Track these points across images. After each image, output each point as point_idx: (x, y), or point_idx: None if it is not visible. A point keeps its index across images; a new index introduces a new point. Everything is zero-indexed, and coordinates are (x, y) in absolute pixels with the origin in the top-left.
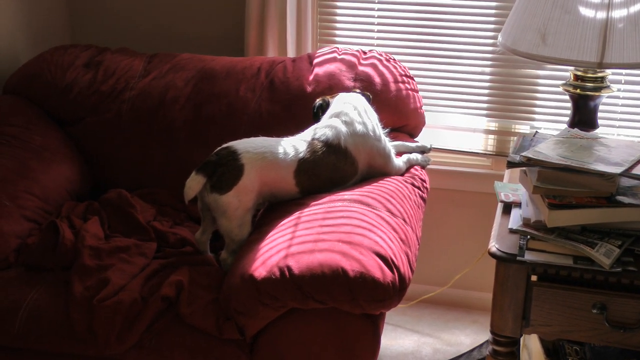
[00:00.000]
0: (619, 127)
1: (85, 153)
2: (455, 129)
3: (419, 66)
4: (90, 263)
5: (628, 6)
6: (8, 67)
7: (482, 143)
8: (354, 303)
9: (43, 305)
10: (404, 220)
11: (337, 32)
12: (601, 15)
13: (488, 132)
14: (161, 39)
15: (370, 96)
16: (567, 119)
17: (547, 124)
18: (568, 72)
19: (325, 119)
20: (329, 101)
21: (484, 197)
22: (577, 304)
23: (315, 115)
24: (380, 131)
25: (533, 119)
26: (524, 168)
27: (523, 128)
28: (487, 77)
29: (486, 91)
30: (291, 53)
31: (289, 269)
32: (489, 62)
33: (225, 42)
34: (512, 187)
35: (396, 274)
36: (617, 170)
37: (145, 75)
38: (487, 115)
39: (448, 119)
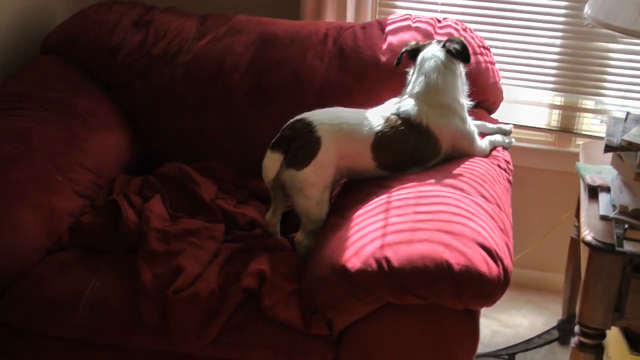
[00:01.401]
0: None
1: (134, 121)
2: (519, 102)
3: (484, 35)
4: (158, 248)
5: None
6: (44, 25)
7: (545, 118)
8: (457, 299)
9: (107, 293)
10: (499, 206)
11: None
12: None
13: (553, 106)
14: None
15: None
16: (637, 95)
17: (616, 100)
18: None
19: (409, 90)
20: (419, 47)
21: (545, 174)
22: None
23: (399, 60)
24: (466, 111)
25: (602, 95)
26: (618, 152)
27: (589, 104)
28: (557, 50)
29: (554, 64)
30: (350, 18)
31: (387, 260)
32: (559, 34)
33: (277, 3)
34: (595, 169)
35: (500, 267)
36: None
37: (199, 38)
38: (553, 89)
39: (511, 92)
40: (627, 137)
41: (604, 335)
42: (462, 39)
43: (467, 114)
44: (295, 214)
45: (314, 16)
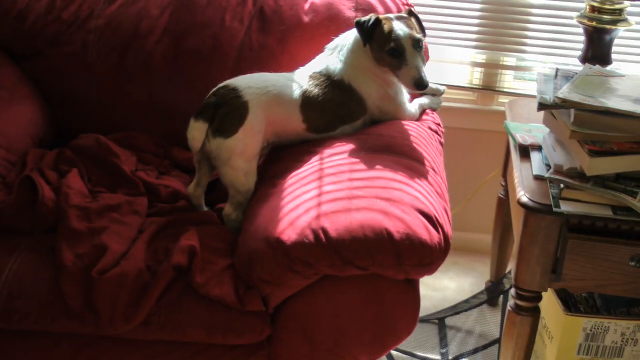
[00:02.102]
0: (633, 61)
1: (45, 92)
2: (442, 61)
3: None
4: (80, 226)
5: None
6: None
7: (467, 76)
8: (399, 268)
9: (26, 277)
10: (434, 170)
11: None
12: None
13: (475, 64)
14: None
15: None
16: (559, 50)
17: (539, 57)
18: (583, 2)
19: (329, 47)
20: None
21: (469, 133)
22: (614, 256)
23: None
24: (391, 76)
25: (524, 51)
26: (551, 110)
27: (510, 61)
28: (478, 6)
29: (476, 21)
30: None
31: (325, 231)
32: None
33: None
34: (524, 127)
35: (441, 233)
36: None
37: (111, 1)
38: (475, 47)
39: (434, 50)
40: (560, 95)
41: (540, 298)
42: (370, 17)
43: (392, 80)
44: (219, 184)
45: None
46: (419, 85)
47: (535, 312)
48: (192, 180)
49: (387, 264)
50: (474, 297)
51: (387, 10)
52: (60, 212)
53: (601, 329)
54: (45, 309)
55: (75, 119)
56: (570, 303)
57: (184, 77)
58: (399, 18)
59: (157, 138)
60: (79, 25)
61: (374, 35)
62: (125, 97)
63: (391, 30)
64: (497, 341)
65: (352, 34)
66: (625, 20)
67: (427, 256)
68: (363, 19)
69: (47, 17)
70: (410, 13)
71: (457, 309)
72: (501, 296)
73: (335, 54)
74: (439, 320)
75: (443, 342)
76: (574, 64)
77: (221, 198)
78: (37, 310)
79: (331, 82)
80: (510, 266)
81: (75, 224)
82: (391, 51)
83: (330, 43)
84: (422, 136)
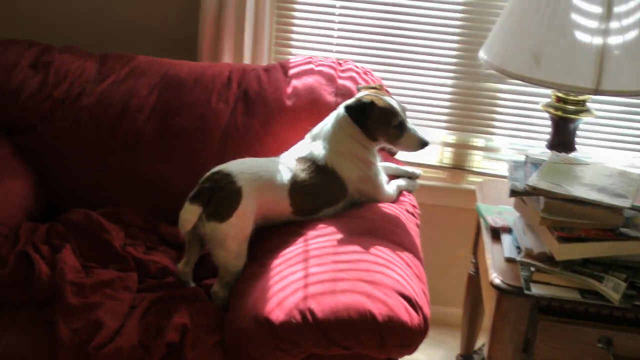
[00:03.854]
0: (595, 145)
1: (36, 165)
2: None
3: (379, 75)
4: (75, 302)
5: (624, 33)
6: None
7: (438, 155)
8: (381, 348)
9: (22, 351)
10: (412, 252)
11: (295, 36)
12: (597, 41)
13: (445, 144)
14: (84, 33)
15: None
16: (525, 133)
17: (506, 139)
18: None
19: (313, 133)
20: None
21: (439, 210)
22: (583, 338)
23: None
24: (370, 159)
25: (492, 133)
26: (521, 196)
27: (479, 142)
28: (449, 90)
29: (447, 103)
30: (247, 58)
31: (312, 312)
32: (451, 74)
33: (174, 43)
34: (494, 209)
35: (421, 315)
36: (626, 203)
37: (101, 79)
38: (446, 128)
39: None
40: (531, 183)
41: None
42: (365, 101)
43: (372, 161)
44: (206, 260)
45: (211, 56)
46: (424, 144)
47: None
48: (180, 256)
49: (370, 344)
50: None
51: None
52: (56, 287)
53: None
54: None
55: (64, 192)
56: None
57: (172, 154)
58: (380, 92)
59: (143, 213)
60: (71, 102)
61: (372, 115)
62: (114, 172)
63: (389, 106)
64: None
65: (331, 120)
66: (588, 110)
67: (408, 337)
68: (352, 103)
69: (40, 94)
70: (381, 87)
71: None
72: None
73: (318, 140)
74: None
75: None
76: (539, 146)
77: (208, 274)
78: None
79: (316, 167)
80: (481, 341)
81: (70, 299)
82: (398, 125)
83: (313, 129)
84: (401, 219)
